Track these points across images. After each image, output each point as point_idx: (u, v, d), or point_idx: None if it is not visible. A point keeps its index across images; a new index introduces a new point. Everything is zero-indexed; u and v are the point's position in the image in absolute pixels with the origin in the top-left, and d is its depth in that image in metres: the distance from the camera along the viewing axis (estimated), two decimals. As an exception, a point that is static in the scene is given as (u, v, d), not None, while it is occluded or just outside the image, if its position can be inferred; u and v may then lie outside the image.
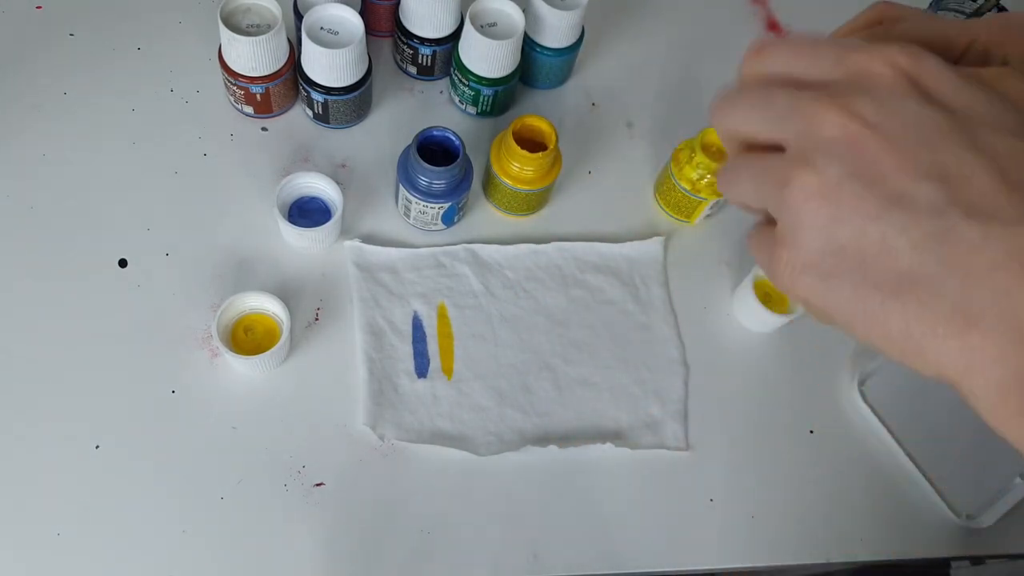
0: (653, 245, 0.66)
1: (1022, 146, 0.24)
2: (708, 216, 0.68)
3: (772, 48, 0.28)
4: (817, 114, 0.25)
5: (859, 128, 0.24)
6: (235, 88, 0.63)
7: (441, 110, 0.70)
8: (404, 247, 0.63)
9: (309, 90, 0.63)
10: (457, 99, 0.69)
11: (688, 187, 0.64)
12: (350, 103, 0.64)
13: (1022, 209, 0.23)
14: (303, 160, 0.66)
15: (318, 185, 0.62)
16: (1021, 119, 0.24)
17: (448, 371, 0.60)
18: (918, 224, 0.24)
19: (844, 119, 0.24)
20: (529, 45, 0.68)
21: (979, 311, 0.23)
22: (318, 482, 0.56)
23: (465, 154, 0.60)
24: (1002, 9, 0.68)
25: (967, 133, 0.24)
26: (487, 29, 0.64)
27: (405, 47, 0.68)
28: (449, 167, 0.58)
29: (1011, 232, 0.23)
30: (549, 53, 0.68)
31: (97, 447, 0.55)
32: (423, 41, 0.66)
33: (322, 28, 0.61)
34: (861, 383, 0.63)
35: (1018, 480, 0.61)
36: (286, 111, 0.68)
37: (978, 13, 0.68)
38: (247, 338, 0.57)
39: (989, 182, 0.23)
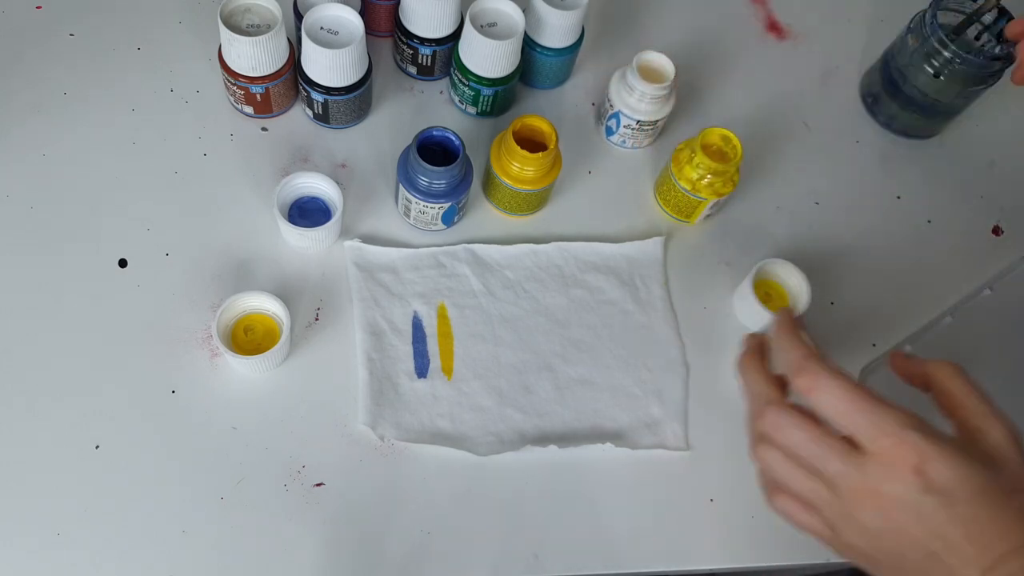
0: (653, 245, 0.66)
1: (986, 514, 0.36)
2: (708, 216, 0.68)
3: (784, 432, 0.42)
4: (853, 500, 0.39)
5: (895, 514, 0.37)
6: (235, 88, 0.63)
7: (441, 110, 0.70)
8: (404, 247, 0.63)
9: (309, 90, 0.63)
10: (457, 99, 0.69)
11: (688, 187, 0.64)
12: (350, 103, 0.65)
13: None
14: (303, 160, 0.66)
15: (318, 185, 0.62)
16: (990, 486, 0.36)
17: (448, 371, 0.60)
18: None
19: (876, 508, 0.38)
20: (529, 45, 0.68)
21: None
22: (318, 482, 0.56)
23: (465, 154, 0.60)
24: (1003, 9, 0.68)
25: (951, 511, 0.36)
26: (487, 29, 0.64)
27: (405, 47, 0.68)
28: (449, 167, 0.58)
29: None
30: (549, 53, 0.68)
31: (97, 447, 0.55)
32: (423, 41, 0.66)
33: (322, 28, 0.61)
34: (862, 381, 0.63)
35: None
36: (286, 111, 0.68)
37: (978, 13, 0.68)
38: (247, 338, 0.57)
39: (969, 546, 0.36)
